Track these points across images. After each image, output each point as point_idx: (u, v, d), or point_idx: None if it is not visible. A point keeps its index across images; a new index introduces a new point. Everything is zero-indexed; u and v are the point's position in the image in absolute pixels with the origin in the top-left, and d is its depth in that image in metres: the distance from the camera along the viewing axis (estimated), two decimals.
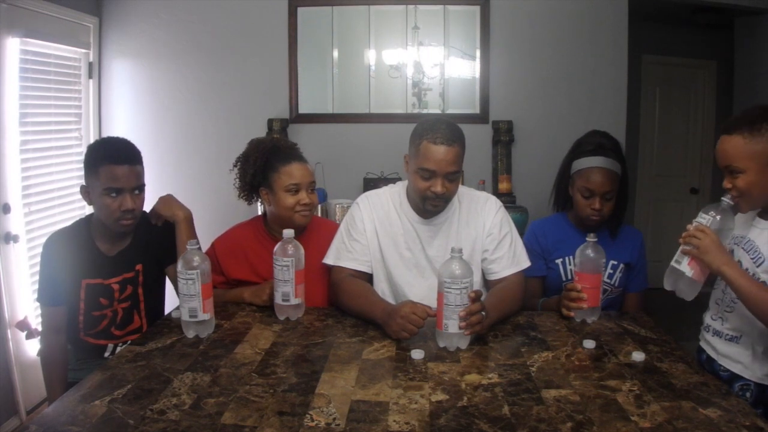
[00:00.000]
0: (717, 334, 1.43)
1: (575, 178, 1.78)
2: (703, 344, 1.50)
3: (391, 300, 1.69)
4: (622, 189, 1.80)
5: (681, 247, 1.31)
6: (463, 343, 1.40)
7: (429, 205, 1.63)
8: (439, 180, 1.56)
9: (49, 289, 1.66)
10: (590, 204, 1.74)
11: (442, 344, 1.41)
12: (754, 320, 1.31)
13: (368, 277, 1.74)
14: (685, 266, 1.26)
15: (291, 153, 1.77)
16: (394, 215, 1.72)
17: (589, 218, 1.76)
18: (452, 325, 1.37)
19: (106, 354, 1.70)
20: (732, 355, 1.38)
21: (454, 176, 1.59)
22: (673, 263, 1.30)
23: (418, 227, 1.70)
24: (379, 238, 1.72)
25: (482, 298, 1.45)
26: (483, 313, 1.39)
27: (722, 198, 1.27)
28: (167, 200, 1.77)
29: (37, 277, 1.76)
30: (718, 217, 1.26)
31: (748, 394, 1.34)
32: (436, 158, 1.55)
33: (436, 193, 1.58)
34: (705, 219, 1.28)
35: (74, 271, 1.65)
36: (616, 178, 1.74)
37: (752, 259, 1.35)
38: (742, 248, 1.39)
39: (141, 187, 1.66)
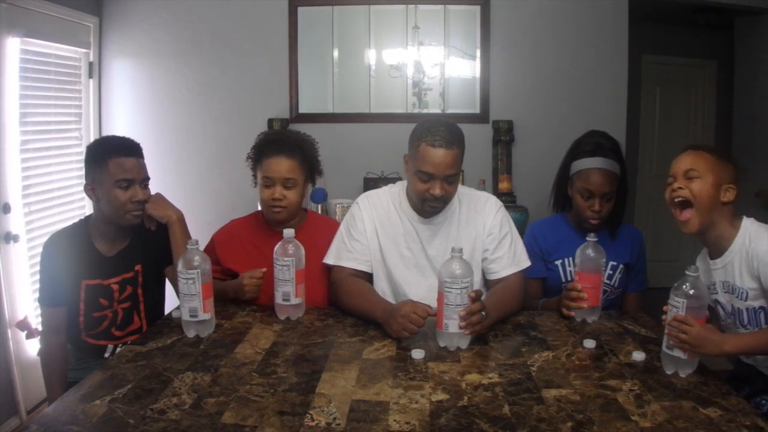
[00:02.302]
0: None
1: (574, 180, 1.78)
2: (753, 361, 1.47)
3: (391, 299, 1.69)
4: (622, 189, 1.80)
5: (668, 339, 1.26)
6: (464, 343, 1.40)
7: (427, 206, 1.63)
8: (437, 183, 1.56)
9: (49, 290, 1.66)
10: (590, 205, 1.73)
11: (442, 344, 1.41)
12: None
13: (368, 277, 1.74)
14: (678, 351, 1.24)
15: (276, 147, 1.73)
16: (394, 215, 1.72)
17: (588, 220, 1.76)
18: (452, 324, 1.37)
19: (106, 354, 1.70)
20: None
21: (452, 178, 1.59)
22: (665, 349, 1.27)
23: (418, 227, 1.70)
24: (379, 237, 1.72)
25: (482, 297, 1.45)
26: (483, 313, 1.39)
27: (686, 272, 1.24)
28: (158, 201, 1.73)
29: (37, 277, 1.77)
30: (691, 291, 1.23)
31: (764, 402, 1.35)
32: (434, 162, 1.54)
33: (434, 196, 1.58)
34: (679, 302, 1.24)
35: (74, 272, 1.65)
36: (615, 178, 1.74)
37: (737, 297, 1.38)
38: (724, 292, 1.42)
39: (147, 180, 1.69)
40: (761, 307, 1.34)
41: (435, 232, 1.70)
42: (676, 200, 1.41)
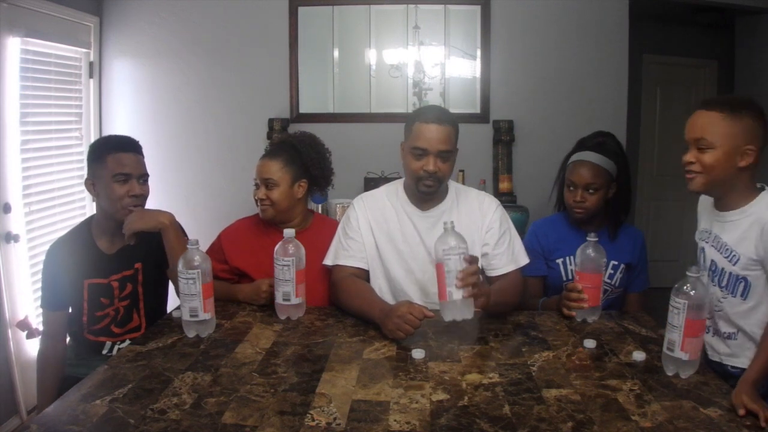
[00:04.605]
0: (716, 333, 1.42)
1: (566, 173, 1.81)
2: (707, 347, 1.46)
3: (388, 297, 1.70)
4: (623, 190, 1.81)
5: (668, 336, 1.25)
6: (469, 312, 1.38)
7: (422, 185, 1.64)
8: (431, 158, 1.60)
9: (51, 293, 1.67)
10: (572, 196, 1.76)
11: (448, 318, 1.39)
12: (744, 314, 1.32)
13: (367, 275, 1.75)
14: (680, 352, 1.23)
15: (266, 151, 1.85)
16: (389, 210, 1.74)
17: (572, 210, 1.78)
18: (456, 292, 1.36)
19: (104, 351, 1.70)
20: (735, 353, 1.37)
21: (446, 155, 1.62)
22: (665, 351, 1.26)
23: (416, 219, 1.72)
24: (375, 235, 1.73)
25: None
26: (481, 278, 1.41)
27: (687, 273, 1.23)
28: (141, 214, 1.65)
29: (38, 277, 1.77)
30: (692, 292, 1.22)
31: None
32: (427, 136, 1.59)
33: (428, 172, 1.60)
34: (680, 303, 1.22)
35: (77, 273, 1.66)
36: (601, 172, 1.75)
37: (726, 258, 1.34)
38: (712, 246, 1.38)
39: (146, 177, 1.70)
40: (743, 278, 1.31)
41: (433, 224, 1.71)
42: (687, 175, 1.33)
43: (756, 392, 1.12)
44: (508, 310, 1.65)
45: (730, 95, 1.33)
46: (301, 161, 1.81)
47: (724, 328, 1.39)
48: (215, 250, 1.82)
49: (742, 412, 1.07)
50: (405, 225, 1.72)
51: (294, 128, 3.24)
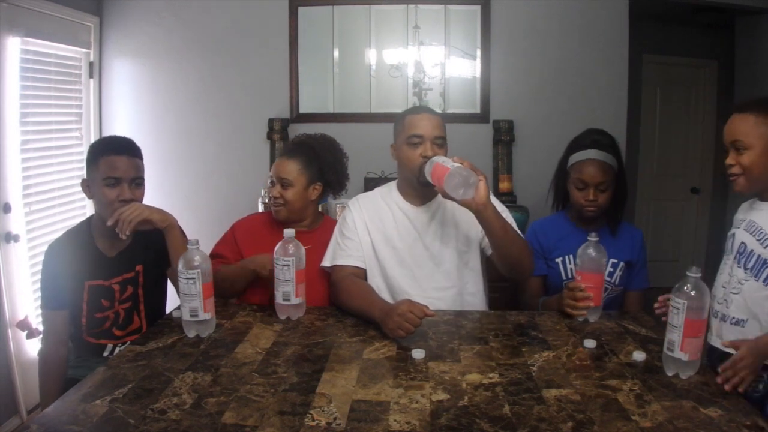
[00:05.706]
0: (723, 318, 1.41)
1: (570, 173, 1.81)
2: (710, 339, 1.45)
3: (386, 295, 1.71)
4: (621, 186, 1.81)
5: (668, 337, 1.26)
6: (471, 180, 1.47)
7: (423, 176, 1.63)
8: (428, 143, 1.65)
9: (51, 293, 1.66)
10: (584, 196, 1.76)
11: (452, 186, 1.46)
12: (762, 301, 1.31)
13: (365, 273, 1.75)
14: (679, 352, 1.23)
15: (284, 150, 1.88)
16: (384, 210, 1.76)
17: (585, 210, 1.77)
18: (455, 164, 1.47)
19: (105, 353, 1.70)
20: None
21: (441, 141, 1.68)
22: (665, 351, 1.27)
23: (412, 216, 1.73)
24: (371, 235, 1.74)
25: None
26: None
27: (687, 273, 1.24)
28: (148, 206, 1.65)
29: (37, 277, 1.77)
30: (692, 292, 1.23)
31: (761, 386, 1.30)
32: (422, 124, 1.67)
33: (426, 157, 1.63)
34: (680, 303, 1.23)
35: (77, 274, 1.65)
36: (609, 169, 1.76)
37: (758, 240, 1.35)
38: (745, 230, 1.40)
39: (140, 181, 1.67)
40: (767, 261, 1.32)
41: (430, 219, 1.72)
42: (730, 178, 1.39)
43: (756, 359, 1.16)
44: (518, 259, 1.61)
45: (763, 97, 1.41)
46: (319, 165, 1.83)
47: (736, 313, 1.37)
48: (228, 241, 1.84)
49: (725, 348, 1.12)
50: (401, 223, 1.73)
51: (294, 128, 3.27)
